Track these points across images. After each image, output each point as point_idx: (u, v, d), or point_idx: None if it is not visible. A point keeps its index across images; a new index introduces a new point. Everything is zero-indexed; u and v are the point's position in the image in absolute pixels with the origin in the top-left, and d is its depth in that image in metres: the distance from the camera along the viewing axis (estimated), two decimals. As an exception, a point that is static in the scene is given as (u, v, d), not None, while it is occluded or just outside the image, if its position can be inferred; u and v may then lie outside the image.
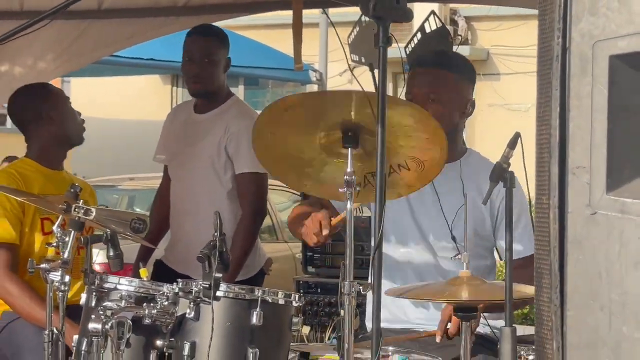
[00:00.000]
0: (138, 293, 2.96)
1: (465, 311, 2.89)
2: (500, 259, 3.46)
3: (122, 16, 5.18)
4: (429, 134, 2.89)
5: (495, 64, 14.66)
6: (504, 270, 2.82)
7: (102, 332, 2.78)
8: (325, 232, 3.06)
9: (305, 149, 2.95)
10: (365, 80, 2.71)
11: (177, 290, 2.90)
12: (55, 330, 3.11)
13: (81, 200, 3.12)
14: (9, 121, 14.93)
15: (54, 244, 3.14)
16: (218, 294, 2.84)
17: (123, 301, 2.90)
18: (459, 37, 14.16)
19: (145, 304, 2.86)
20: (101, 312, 2.81)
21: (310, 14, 7.24)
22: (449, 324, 3.16)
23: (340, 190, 2.71)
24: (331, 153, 2.92)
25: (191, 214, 4.35)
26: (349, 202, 2.71)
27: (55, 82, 5.49)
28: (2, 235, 3.78)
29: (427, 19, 4.85)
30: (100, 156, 12.37)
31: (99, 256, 4.97)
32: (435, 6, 6.04)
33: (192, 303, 2.84)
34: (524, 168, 2.58)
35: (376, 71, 2.58)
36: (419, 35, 4.88)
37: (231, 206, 4.28)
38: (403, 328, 3.41)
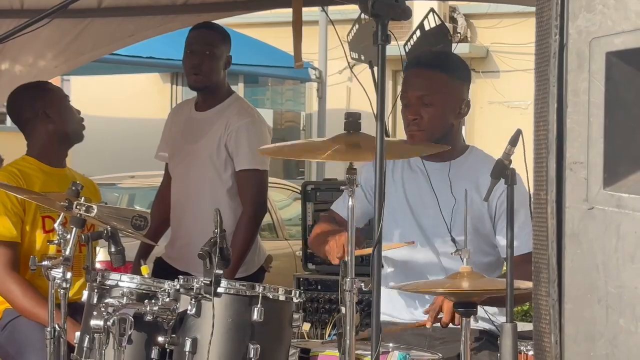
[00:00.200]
0: (139, 290, 2.97)
1: (465, 306, 2.90)
2: (501, 255, 3.48)
3: (122, 14, 5.19)
4: None
5: (494, 62, 14.65)
6: None
7: (104, 328, 2.80)
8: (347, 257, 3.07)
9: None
10: (364, 77, 2.72)
11: (178, 287, 2.91)
12: (57, 327, 3.12)
13: (82, 198, 3.13)
14: (8, 120, 14.95)
15: (56, 242, 3.16)
16: (219, 290, 2.85)
17: (125, 298, 2.91)
18: (458, 35, 14.15)
19: (146, 300, 2.88)
20: (103, 309, 2.82)
21: (309, 12, 7.25)
22: (440, 313, 3.17)
23: (342, 187, 2.74)
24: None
25: (191, 211, 4.36)
26: (350, 199, 2.73)
27: (55, 81, 5.49)
28: (3, 234, 3.79)
29: (426, 16, 4.87)
30: (100, 154, 12.39)
31: (99, 254, 4.98)
32: (434, 4, 6.07)
33: (193, 300, 2.86)
34: (525, 165, 2.59)
35: (375, 69, 2.59)
36: (418, 32, 4.90)
37: (231, 203, 4.29)
38: (394, 322, 3.43)
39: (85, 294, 3.06)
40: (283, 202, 8.98)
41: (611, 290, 1.79)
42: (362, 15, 4.90)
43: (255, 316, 2.86)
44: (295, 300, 2.97)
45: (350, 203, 2.73)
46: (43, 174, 3.95)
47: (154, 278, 3.04)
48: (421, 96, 3.40)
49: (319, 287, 5.79)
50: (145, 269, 3.11)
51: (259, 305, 2.87)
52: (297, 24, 4.67)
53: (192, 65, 4.33)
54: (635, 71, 1.85)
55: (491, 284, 2.99)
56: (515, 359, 2.69)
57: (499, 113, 13.97)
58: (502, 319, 3.27)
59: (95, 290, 3.02)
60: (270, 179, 4.45)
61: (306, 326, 5.47)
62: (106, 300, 2.91)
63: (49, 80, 4.51)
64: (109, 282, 3.02)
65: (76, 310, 3.39)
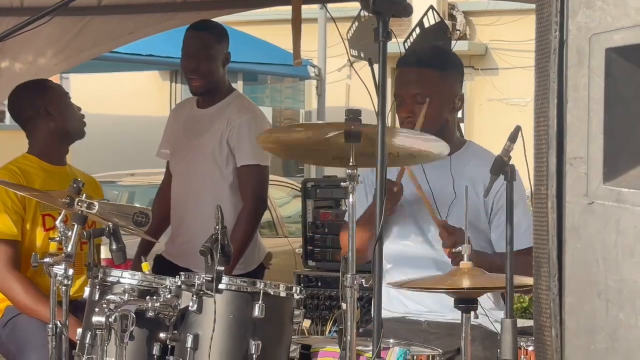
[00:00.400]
0: (141, 286, 2.98)
1: (466, 302, 2.91)
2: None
3: (121, 12, 5.20)
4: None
5: (493, 59, 14.67)
6: None
7: (106, 325, 2.80)
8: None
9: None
10: (364, 75, 2.72)
11: (179, 283, 2.92)
12: (59, 324, 3.13)
13: (84, 195, 3.14)
14: (7, 118, 14.94)
15: (57, 239, 3.16)
16: (220, 286, 2.86)
17: (126, 294, 2.92)
18: (458, 32, 14.17)
19: (148, 297, 2.88)
20: (105, 306, 2.82)
21: (308, 9, 7.26)
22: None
23: (342, 184, 2.75)
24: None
25: (192, 207, 4.37)
26: (351, 196, 2.74)
27: (54, 79, 5.49)
28: (3, 231, 3.79)
29: (425, 13, 4.88)
30: (99, 152, 12.38)
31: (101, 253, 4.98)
32: (433, 1, 6.07)
33: (194, 296, 2.86)
34: (525, 161, 2.59)
35: (375, 66, 2.60)
36: (417, 30, 4.90)
37: (233, 199, 4.30)
38: (402, 316, 3.44)
39: (87, 290, 3.07)
40: (282, 199, 8.99)
41: (611, 284, 1.80)
42: (362, 13, 4.91)
43: (256, 312, 2.87)
44: (296, 296, 2.98)
45: (351, 199, 2.74)
46: (43, 172, 3.96)
47: (155, 274, 3.05)
48: (414, 94, 3.41)
49: (319, 283, 5.81)
50: (146, 266, 3.12)
51: (260, 302, 2.87)
52: (297, 22, 4.68)
53: (189, 70, 4.35)
54: (634, 67, 1.86)
55: (491, 281, 3.01)
56: (515, 354, 2.69)
57: (497, 110, 13.99)
58: (497, 314, 3.29)
59: (97, 287, 3.03)
60: (269, 177, 4.45)
61: (306, 323, 5.48)
62: (108, 297, 2.92)
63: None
64: (110, 279, 3.03)
65: (77, 308, 3.39)
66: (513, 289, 2.71)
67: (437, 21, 4.87)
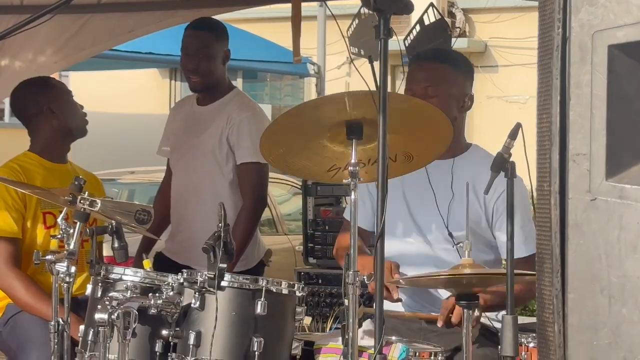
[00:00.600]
0: (143, 283, 2.99)
1: (467, 299, 2.92)
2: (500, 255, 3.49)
3: (121, 10, 5.20)
4: (436, 134, 2.92)
5: (493, 56, 14.66)
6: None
7: (109, 322, 2.81)
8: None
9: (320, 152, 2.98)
10: (364, 72, 2.72)
11: (182, 281, 2.93)
12: (61, 321, 3.13)
13: (86, 192, 3.14)
14: (7, 116, 14.90)
15: (59, 237, 3.17)
16: (222, 284, 2.87)
17: (129, 292, 2.93)
18: (457, 30, 14.16)
19: (150, 294, 2.89)
20: (107, 303, 2.83)
21: (308, 7, 7.26)
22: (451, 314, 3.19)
23: (344, 181, 2.74)
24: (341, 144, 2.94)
25: (193, 204, 4.37)
26: (352, 193, 2.74)
27: (54, 77, 5.50)
28: (4, 229, 3.79)
29: (425, 11, 4.88)
30: (99, 150, 12.37)
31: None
32: (433, -2, 6.05)
33: (197, 293, 2.87)
34: (526, 159, 2.60)
35: (375, 63, 2.60)
36: (417, 27, 4.90)
37: (233, 197, 4.30)
38: (402, 314, 3.44)
39: (89, 287, 3.08)
40: (282, 197, 8.99)
41: (614, 280, 1.81)
42: (362, 10, 4.91)
43: (258, 309, 2.88)
44: (298, 293, 2.99)
45: (352, 196, 2.74)
46: (44, 170, 3.96)
47: (157, 272, 3.05)
48: (426, 88, 3.43)
49: (320, 281, 5.80)
50: (148, 263, 3.12)
51: (262, 299, 2.88)
52: (296, 19, 4.68)
53: (189, 69, 4.36)
54: (637, 64, 1.87)
55: (493, 279, 3.01)
56: (516, 350, 2.70)
57: (497, 108, 13.98)
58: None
59: (100, 284, 3.04)
60: (269, 174, 4.46)
61: (307, 320, 5.48)
62: (110, 294, 2.92)
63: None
64: (112, 276, 3.03)
65: (79, 305, 3.40)
66: (513, 286, 2.71)
67: (437, 19, 4.87)
